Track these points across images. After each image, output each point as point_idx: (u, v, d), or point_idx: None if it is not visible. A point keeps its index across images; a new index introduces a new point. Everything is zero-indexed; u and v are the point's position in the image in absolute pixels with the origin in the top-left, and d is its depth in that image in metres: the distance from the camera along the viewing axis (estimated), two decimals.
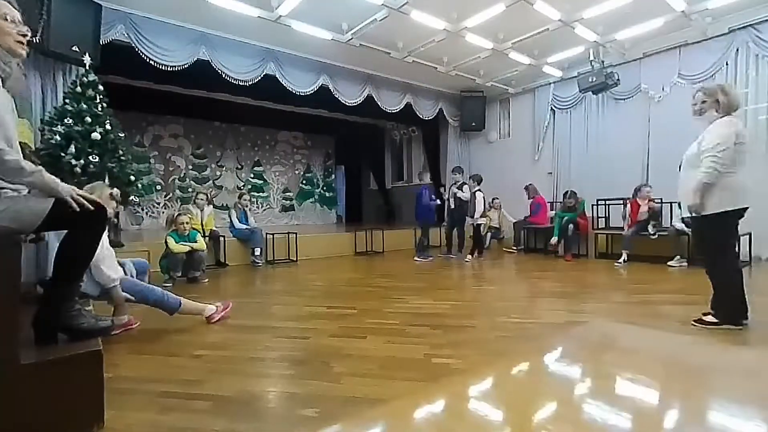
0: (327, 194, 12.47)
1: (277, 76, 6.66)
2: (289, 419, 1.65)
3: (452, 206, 6.54)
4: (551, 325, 2.89)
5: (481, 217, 6.62)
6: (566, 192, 6.79)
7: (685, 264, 5.36)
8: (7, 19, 1.55)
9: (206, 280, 4.77)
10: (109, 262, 2.52)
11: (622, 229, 6.10)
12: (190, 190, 9.49)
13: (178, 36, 5.76)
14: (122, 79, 6.48)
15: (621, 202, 6.38)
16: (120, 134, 4.84)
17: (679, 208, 5.43)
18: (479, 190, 6.57)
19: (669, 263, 5.34)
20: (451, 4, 5.38)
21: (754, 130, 5.63)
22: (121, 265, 2.78)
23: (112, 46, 5.21)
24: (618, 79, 6.52)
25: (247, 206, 6.51)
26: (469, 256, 6.42)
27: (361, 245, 7.50)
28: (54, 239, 2.28)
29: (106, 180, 4.32)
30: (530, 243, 7.59)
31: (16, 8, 1.58)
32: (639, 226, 5.79)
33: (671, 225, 5.60)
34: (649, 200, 5.91)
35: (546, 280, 4.81)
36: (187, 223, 4.75)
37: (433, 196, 6.78)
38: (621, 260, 5.69)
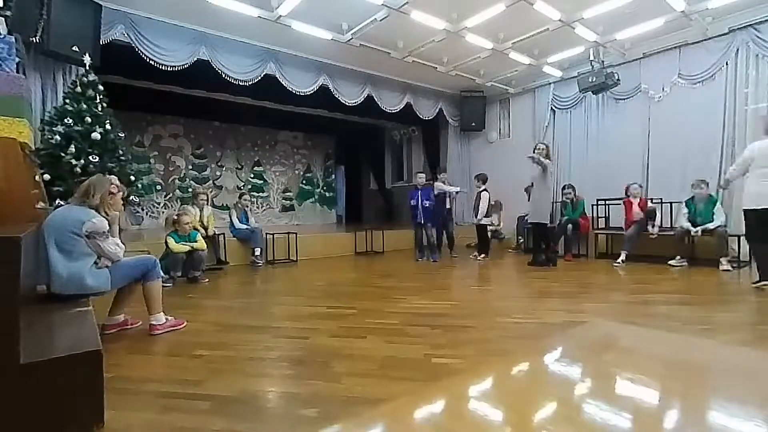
0: (327, 194, 12.47)
1: (277, 76, 6.66)
2: (289, 419, 1.65)
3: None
4: (551, 325, 2.90)
5: (485, 217, 6.61)
6: (564, 186, 6.81)
7: (685, 263, 5.36)
8: None
9: (206, 280, 4.77)
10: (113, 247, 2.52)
11: (622, 229, 6.10)
12: (190, 190, 9.49)
13: (178, 36, 5.76)
14: (122, 79, 6.47)
15: (620, 202, 6.38)
16: (120, 134, 4.84)
17: (686, 207, 5.45)
18: (485, 189, 6.61)
19: (670, 262, 5.34)
20: (451, 4, 5.38)
21: (754, 130, 5.62)
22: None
23: (112, 46, 5.21)
24: (618, 79, 6.51)
25: (247, 206, 6.52)
26: (479, 255, 6.49)
27: (361, 245, 7.50)
28: (54, 250, 2.28)
29: None
30: (530, 243, 7.57)
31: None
32: (638, 226, 5.77)
33: (678, 225, 5.53)
34: (641, 200, 5.91)
35: (546, 280, 4.81)
36: (188, 223, 4.75)
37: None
38: (619, 260, 5.68)
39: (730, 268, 4.92)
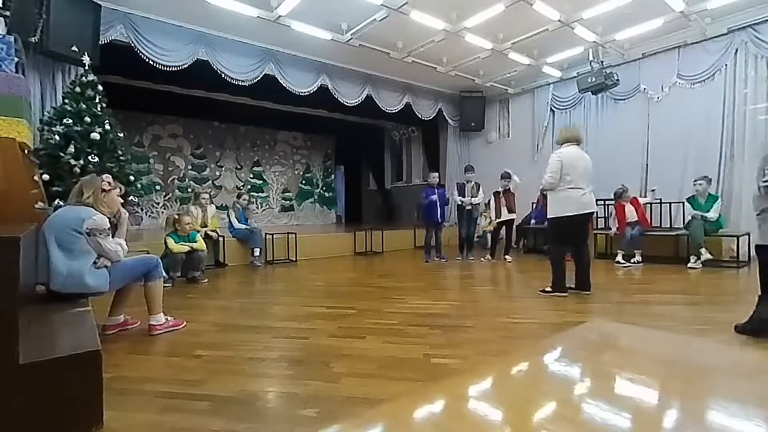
0: (326, 194, 12.47)
1: (276, 76, 6.65)
2: (289, 419, 1.65)
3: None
4: (551, 325, 2.90)
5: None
6: None
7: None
8: None
9: (206, 280, 4.76)
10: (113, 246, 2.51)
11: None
12: (189, 190, 9.49)
13: (178, 36, 5.75)
14: (121, 79, 6.47)
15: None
16: (119, 134, 4.83)
17: (689, 203, 5.43)
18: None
19: (689, 264, 5.21)
20: (451, 4, 5.38)
21: (753, 131, 5.63)
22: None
23: (112, 46, 5.20)
24: (617, 80, 6.52)
25: (245, 206, 6.50)
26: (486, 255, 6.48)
27: (361, 245, 7.50)
28: (54, 248, 2.28)
29: None
30: (530, 243, 7.58)
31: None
32: (640, 228, 5.73)
33: (691, 217, 5.39)
34: (633, 199, 5.89)
35: (546, 280, 4.80)
36: (188, 223, 4.75)
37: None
38: (630, 260, 5.63)
39: (697, 266, 5.06)
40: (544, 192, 3.89)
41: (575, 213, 3.68)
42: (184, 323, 2.90)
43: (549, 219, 3.88)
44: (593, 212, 3.88)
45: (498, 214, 6.45)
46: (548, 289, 3.84)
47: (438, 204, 6.31)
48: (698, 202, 5.37)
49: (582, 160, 3.83)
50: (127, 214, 2.78)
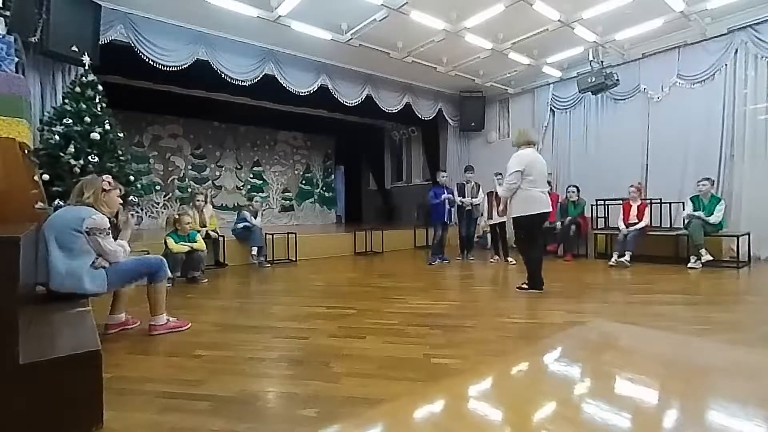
0: (326, 194, 12.47)
1: (276, 76, 6.66)
2: (289, 419, 1.65)
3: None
4: (551, 325, 2.90)
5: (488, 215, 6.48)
6: (568, 186, 6.78)
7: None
8: None
9: (206, 280, 4.76)
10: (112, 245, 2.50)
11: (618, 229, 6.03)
12: (189, 190, 9.49)
13: (178, 36, 5.76)
14: (121, 79, 6.48)
15: (620, 202, 6.33)
16: (119, 134, 4.83)
17: (692, 202, 5.41)
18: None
19: (689, 264, 5.19)
20: (451, 4, 5.38)
21: (753, 131, 5.63)
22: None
23: (112, 46, 5.21)
24: (617, 80, 6.52)
25: (258, 210, 6.38)
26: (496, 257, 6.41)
27: (361, 245, 7.50)
28: (54, 248, 2.28)
29: None
30: None
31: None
32: (639, 229, 5.70)
33: (686, 214, 5.38)
34: (642, 203, 5.85)
35: (546, 279, 4.80)
36: (188, 223, 4.75)
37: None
38: (622, 259, 5.58)
39: (697, 266, 5.06)
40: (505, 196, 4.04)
41: (539, 212, 3.83)
42: (189, 324, 2.88)
43: (515, 218, 3.97)
44: (549, 212, 3.99)
45: (489, 215, 6.42)
46: (524, 285, 3.99)
47: (446, 204, 6.23)
48: (701, 201, 5.35)
49: (539, 162, 3.94)
50: (133, 218, 2.77)
